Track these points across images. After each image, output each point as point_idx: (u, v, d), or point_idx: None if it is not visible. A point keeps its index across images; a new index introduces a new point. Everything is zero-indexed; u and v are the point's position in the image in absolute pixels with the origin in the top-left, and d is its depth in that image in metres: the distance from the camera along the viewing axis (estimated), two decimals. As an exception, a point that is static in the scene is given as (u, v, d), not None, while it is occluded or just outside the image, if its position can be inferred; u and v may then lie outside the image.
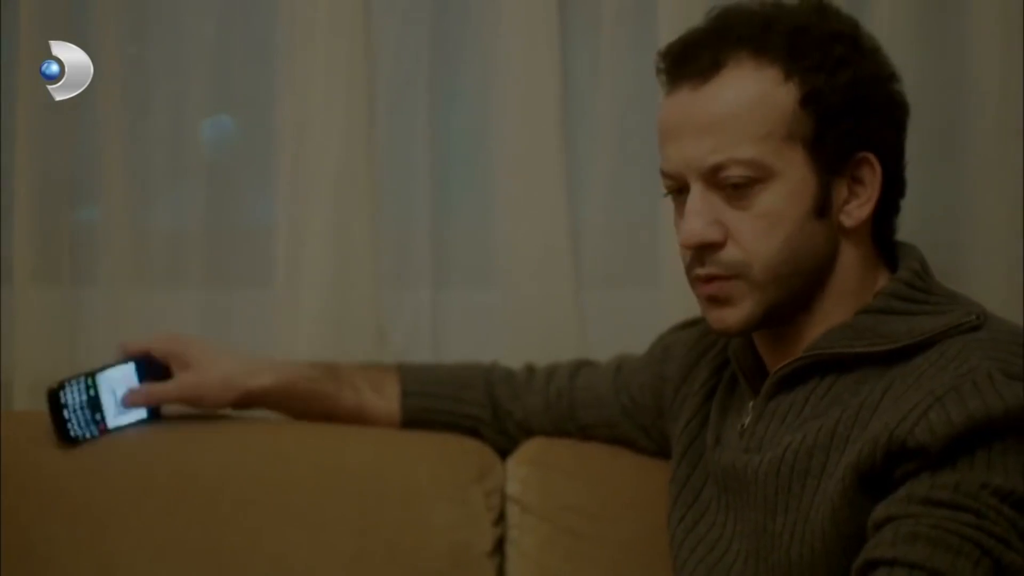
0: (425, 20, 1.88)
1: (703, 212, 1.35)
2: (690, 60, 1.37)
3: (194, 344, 1.70)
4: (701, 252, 1.36)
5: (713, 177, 1.35)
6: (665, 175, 1.40)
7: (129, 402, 1.67)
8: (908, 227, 1.46)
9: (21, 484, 1.63)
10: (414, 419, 1.73)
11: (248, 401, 1.71)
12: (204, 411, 1.71)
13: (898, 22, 1.82)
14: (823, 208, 1.36)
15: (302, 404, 1.72)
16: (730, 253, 1.36)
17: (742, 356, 1.46)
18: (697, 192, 1.36)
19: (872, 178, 1.38)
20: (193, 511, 1.65)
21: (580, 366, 1.72)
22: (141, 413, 1.69)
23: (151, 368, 1.69)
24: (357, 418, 1.72)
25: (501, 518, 1.69)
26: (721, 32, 1.38)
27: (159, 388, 1.68)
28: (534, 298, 1.86)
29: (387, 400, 1.73)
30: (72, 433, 1.64)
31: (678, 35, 1.41)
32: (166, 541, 1.63)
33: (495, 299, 1.88)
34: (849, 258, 1.39)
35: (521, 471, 1.71)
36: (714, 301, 1.38)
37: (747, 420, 1.42)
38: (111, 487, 1.65)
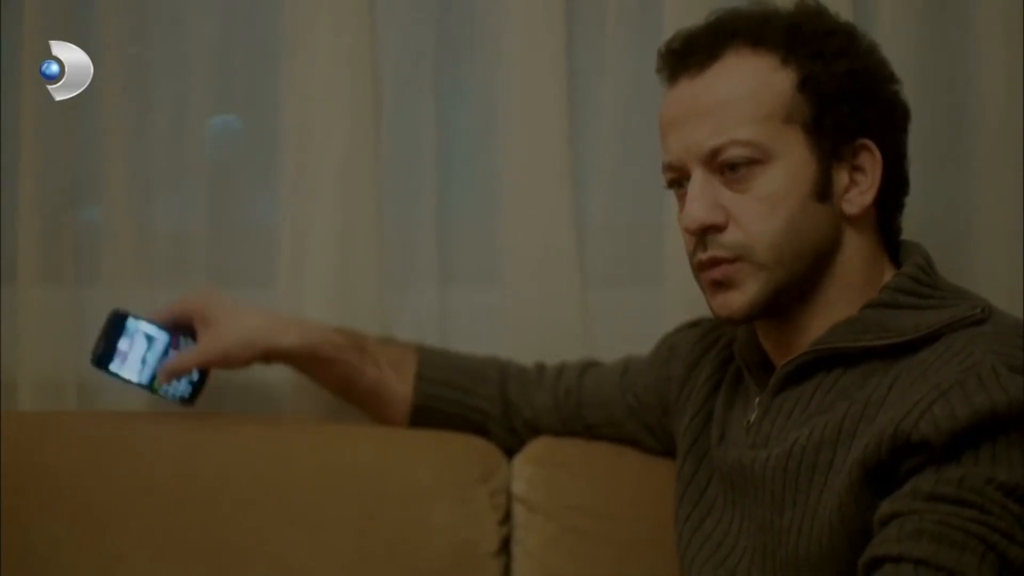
0: (429, 20, 1.87)
1: (704, 196, 1.37)
2: (688, 54, 1.40)
3: (217, 303, 1.71)
4: (703, 236, 1.37)
5: (713, 161, 1.37)
6: (667, 167, 1.41)
7: (164, 378, 1.70)
8: (910, 226, 1.47)
9: (21, 484, 1.63)
10: (425, 404, 1.73)
11: (273, 358, 1.71)
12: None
13: (900, 22, 1.81)
14: (824, 192, 1.37)
15: (324, 368, 1.72)
16: (732, 235, 1.36)
17: (747, 351, 1.46)
18: (698, 178, 1.37)
19: (872, 165, 1.38)
20: (193, 511, 1.65)
21: (588, 366, 1.73)
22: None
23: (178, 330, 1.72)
24: (373, 393, 1.73)
25: (507, 517, 1.69)
26: (719, 29, 1.41)
27: (183, 358, 1.70)
28: (538, 297, 1.85)
29: (403, 381, 1.73)
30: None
31: (679, 34, 1.43)
32: (166, 541, 1.63)
33: (499, 298, 1.87)
34: (853, 248, 1.39)
35: (527, 470, 1.70)
36: (718, 285, 1.38)
37: (753, 416, 1.42)
38: (111, 487, 1.65)
